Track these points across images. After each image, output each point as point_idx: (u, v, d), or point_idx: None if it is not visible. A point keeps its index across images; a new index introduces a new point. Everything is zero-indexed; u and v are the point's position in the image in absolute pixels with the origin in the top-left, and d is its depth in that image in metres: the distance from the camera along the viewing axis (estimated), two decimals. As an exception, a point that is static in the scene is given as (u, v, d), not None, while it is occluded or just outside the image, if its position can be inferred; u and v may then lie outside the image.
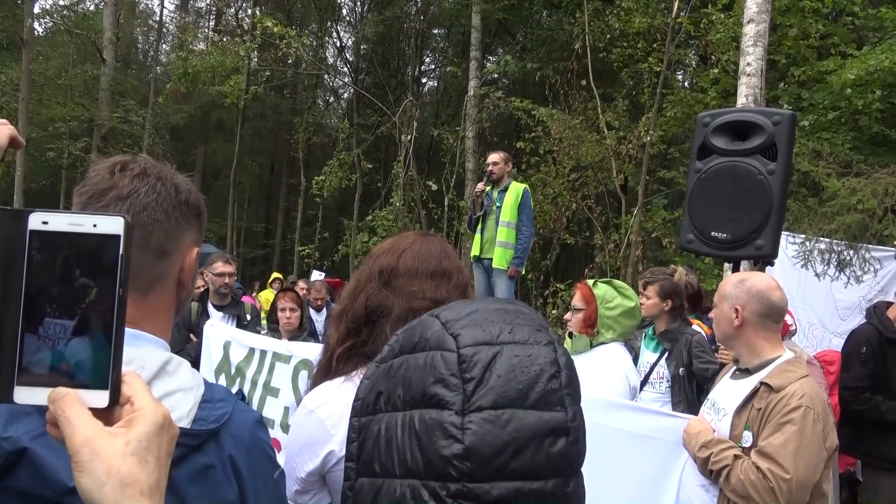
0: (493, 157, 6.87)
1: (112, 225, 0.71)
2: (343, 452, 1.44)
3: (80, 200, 1.04)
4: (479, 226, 6.73)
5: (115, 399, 0.70)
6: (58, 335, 0.69)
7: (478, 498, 0.87)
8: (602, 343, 3.33)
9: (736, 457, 2.42)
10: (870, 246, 6.03)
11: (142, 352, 0.95)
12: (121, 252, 0.71)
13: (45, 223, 0.69)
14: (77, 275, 0.70)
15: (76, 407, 0.67)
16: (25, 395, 0.69)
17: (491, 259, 6.60)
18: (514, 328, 0.97)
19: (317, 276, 11.97)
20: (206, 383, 1.02)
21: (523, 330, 0.97)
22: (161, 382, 0.94)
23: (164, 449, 0.70)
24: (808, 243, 6.11)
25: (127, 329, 0.96)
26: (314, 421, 1.51)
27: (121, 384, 0.71)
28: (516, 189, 6.76)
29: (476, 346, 0.94)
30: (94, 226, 0.70)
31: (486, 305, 1.03)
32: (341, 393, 1.52)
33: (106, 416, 0.69)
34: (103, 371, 0.70)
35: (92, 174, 1.06)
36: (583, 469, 1.03)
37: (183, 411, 0.94)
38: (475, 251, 6.76)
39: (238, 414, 1.03)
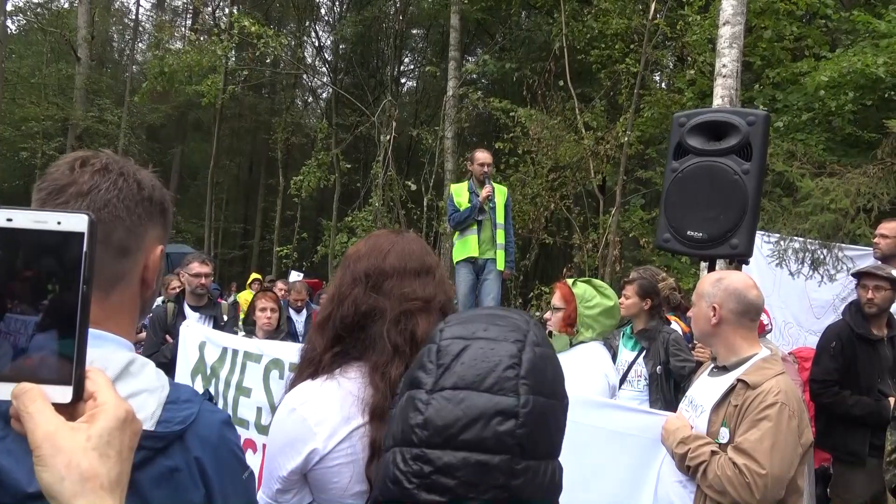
0: (487, 157, 6.81)
1: (76, 222, 0.71)
2: (325, 450, 1.43)
3: (39, 197, 1.01)
4: (475, 227, 6.61)
5: (79, 395, 0.71)
6: (21, 331, 0.70)
7: (431, 462, 1.04)
8: (581, 342, 3.34)
9: (713, 453, 2.44)
10: (843, 245, 6.11)
11: (104, 352, 0.92)
12: (85, 249, 0.71)
13: (9, 220, 0.70)
14: (41, 271, 0.70)
15: (39, 402, 0.67)
16: None
17: (486, 259, 6.58)
18: (490, 327, 1.15)
19: (295, 276, 11.89)
20: (172, 384, 1.00)
21: (497, 329, 1.14)
22: (124, 383, 0.92)
23: (126, 444, 0.70)
24: (782, 242, 6.17)
25: (90, 329, 0.93)
26: (296, 419, 1.49)
27: (84, 380, 0.71)
28: (502, 191, 6.82)
29: (453, 339, 1.14)
30: (59, 223, 0.70)
31: (483, 311, 1.24)
32: (324, 391, 1.51)
33: (70, 411, 0.69)
34: (67, 367, 0.70)
35: (52, 170, 1.03)
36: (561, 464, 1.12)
37: (147, 413, 0.92)
38: (472, 252, 6.58)
39: (204, 415, 1.00)
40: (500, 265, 6.56)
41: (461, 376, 1.08)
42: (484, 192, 6.53)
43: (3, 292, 0.70)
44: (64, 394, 0.70)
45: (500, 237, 6.59)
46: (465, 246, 6.66)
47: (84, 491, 0.65)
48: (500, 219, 6.61)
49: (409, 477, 1.06)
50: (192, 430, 0.97)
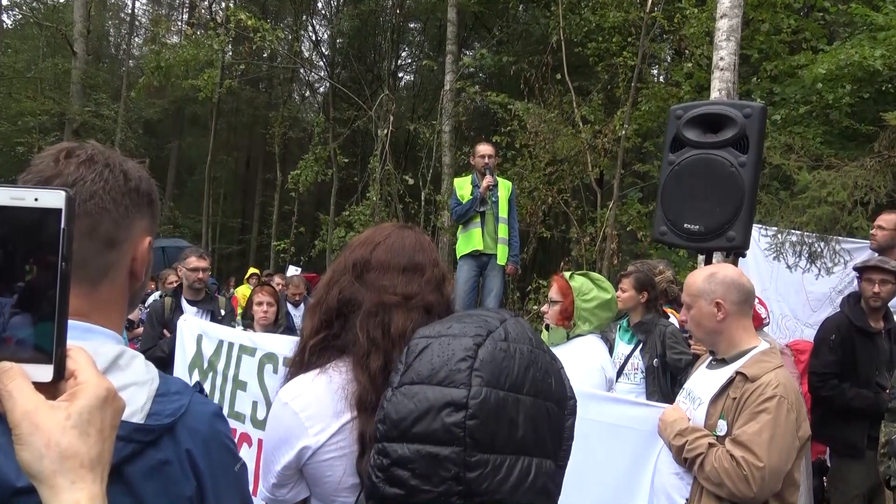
0: (489, 149, 6.72)
1: (53, 199, 0.70)
2: (318, 445, 1.43)
3: None
4: (479, 220, 6.54)
5: (60, 374, 0.70)
6: (0, 310, 0.69)
7: (388, 455, 1.08)
8: (578, 335, 3.34)
9: (710, 445, 2.44)
10: (840, 238, 6.11)
11: (93, 345, 0.91)
12: (62, 226, 0.70)
13: None
14: (19, 249, 0.69)
15: (18, 381, 0.67)
16: None
17: (491, 255, 6.53)
18: (454, 325, 1.17)
19: (293, 271, 11.88)
20: (162, 376, 0.99)
21: (460, 326, 1.16)
22: (113, 377, 0.90)
23: (107, 422, 0.69)
24: (779, 236, 6.17)
25: (78, 322, 0.92)
26: (289, 414, 1.50)
27: (65, 359, 0.71)
28: (506, 185, 6.76)
29: (420, 338, 1.18)
30: (36, 199, 0.70)
31: (459, 312, 1.26)
32: (315, 385, 1.50)
33: (51, 390, 0.69)
34: (48, 346, 0.70)
35: (36, 161, 1.02)
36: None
37: (136, 406, 0.91)
38: (476, 245, 6.49)
39: (195, 407, 1.00)
40: (502, 259, 6.51)
41: (418, 372, 1.11)
42: (485, 182, 6.46)
43: None
44: (45, 372, 0.69)
45: (503, 231, 6.54)
46: (470, 240, 6.57)
47: (63, 469, 0.64)
48: (502, 213, 6.56)
49: (375, 471, 1.09)
50: (183, 423, 0.96)
